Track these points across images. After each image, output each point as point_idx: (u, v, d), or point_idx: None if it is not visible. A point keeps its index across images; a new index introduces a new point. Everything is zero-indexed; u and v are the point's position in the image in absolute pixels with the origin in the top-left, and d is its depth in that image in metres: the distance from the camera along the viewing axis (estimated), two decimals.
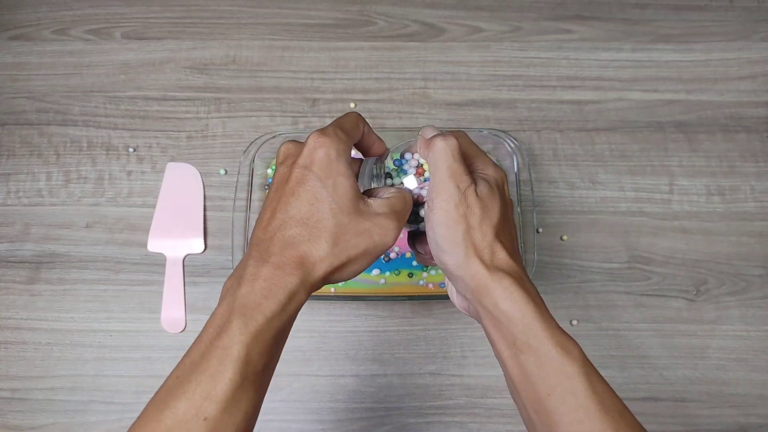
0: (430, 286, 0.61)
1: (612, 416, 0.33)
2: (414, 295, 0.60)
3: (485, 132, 0.63)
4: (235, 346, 0.31)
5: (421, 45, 0.72)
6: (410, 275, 0.61)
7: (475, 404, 0.59)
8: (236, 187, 0.61)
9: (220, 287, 0.62)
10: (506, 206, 0.40)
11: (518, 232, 0.59)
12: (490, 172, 0.40)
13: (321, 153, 0.35)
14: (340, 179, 0.35)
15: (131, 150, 0.67)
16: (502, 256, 0.37)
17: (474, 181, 0.38)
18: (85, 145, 0.68)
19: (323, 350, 0.60)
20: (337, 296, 0.60)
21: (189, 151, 0.67)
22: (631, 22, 0.73)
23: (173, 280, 0.62)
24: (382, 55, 0.71)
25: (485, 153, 0.42)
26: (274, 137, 0.63)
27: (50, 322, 0.61)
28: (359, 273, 0.37)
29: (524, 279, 0.37)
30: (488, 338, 0.38)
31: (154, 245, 0.63)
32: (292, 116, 0.68)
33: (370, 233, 0.35)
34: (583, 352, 0.35)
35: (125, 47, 0.71)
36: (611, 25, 0.73)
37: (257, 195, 0.63)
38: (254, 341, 0.31)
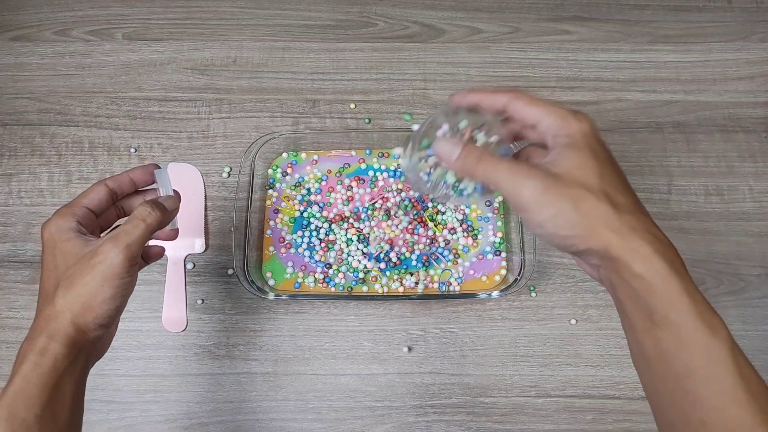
0: (430, 285, 0.61)
1: (761, 404, 0.31)
2: (414, 295, 0.61)
3: None
4: None
5: (420, 46, 0.72)
6: (410, 275, 0.61)
7: (474, 403, 0.59)
8: (237, 187, 0.61)
9: (221, 287, 0.63)
10: (606, 157, 0.36)
11: (521, 232, 0.59)
12: (572, 128, 0.36)
13: (45, 235, 0.42)
14: (61, 245, 0.41)
15: (133, 150, 0.67)
16: (630, 220, 0.34)
17: (555, 148, 0.36)
18: (86, 145, 0.68)
19: (323, 349, 0.61)
20: (338, 296, 0.61)
21: (190, 151, 0.67)
22: (629, 23, 0.73)
23: (174, 279, 0.62)
24: (382, 56, 0.71)
25: (552, 103, 0.37)
26: (274, 138, 0.63)
27: None
28: (118, 299, 0.40)
29: (663, 242, 0.34)
30: (619, 309, 0.36)
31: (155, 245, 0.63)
32: (293, 117, 0.69)
33: (96, 263, 0.39)
34: (728, 331, 0.32)
35: (126, 48, 0.72)
36: (610, 26, 0.73)
37: (258, 195, 0.63)
38: (15, 399, 0.36)
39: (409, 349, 0.60)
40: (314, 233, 0.62)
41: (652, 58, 0.71)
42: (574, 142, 0.36)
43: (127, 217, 0.43)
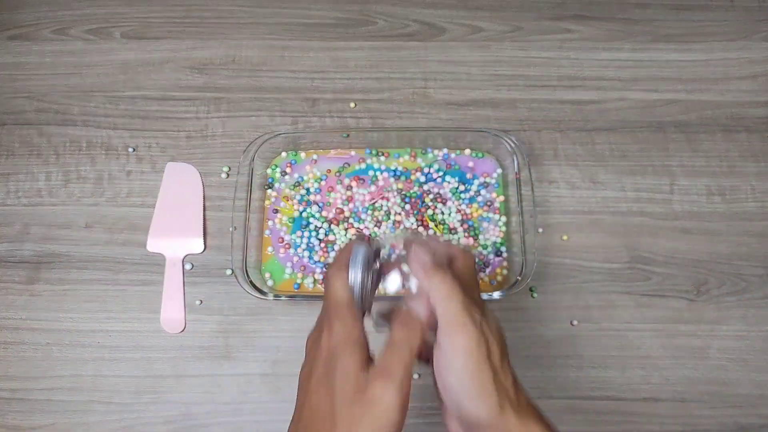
0: None
1: None
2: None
3: (485, 132, 0.63)
4: None
5: (421, 45, 0.71)
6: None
7: None
8: (236, 187, 0.61)
9: (220, 287, 0.62)
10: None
11: (522, 233, 0.59)
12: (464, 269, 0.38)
13: (332, 338, 0.35)
14: (346, 354, 0.34)
15: (131, 150, 0.67)
16: (523, 397, 0.35)
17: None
18: (84, 145, 0.67)
19: None
20: None
21: (189, 150, 0.67)
22: (631, 21, 0.73)
23: (173, 280, 0.62)
24: (382, 54, 0.71)
25: (448, 243, 0.40)
26: (274, 137, 0.63)
27: (50, 323, 0.61)
28: None
29: (543, 417, 0.35)
30: None
31: (153, 245, 0.63)
32: (292, 116, 0.68)
33: (371, 406, 0.33)
34: None
35: (125, 47, 0.71)
36: (612, 25, 0.72)
37: (257, 195, 0.63)
38: None
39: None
40: (313, 233, 0.62)
41: (654, 57, 0.71)
42: (477, 297, 0.38)
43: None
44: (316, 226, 0.62)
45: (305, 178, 0.64)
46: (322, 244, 0.62)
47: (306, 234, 0.62)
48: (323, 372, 0.34)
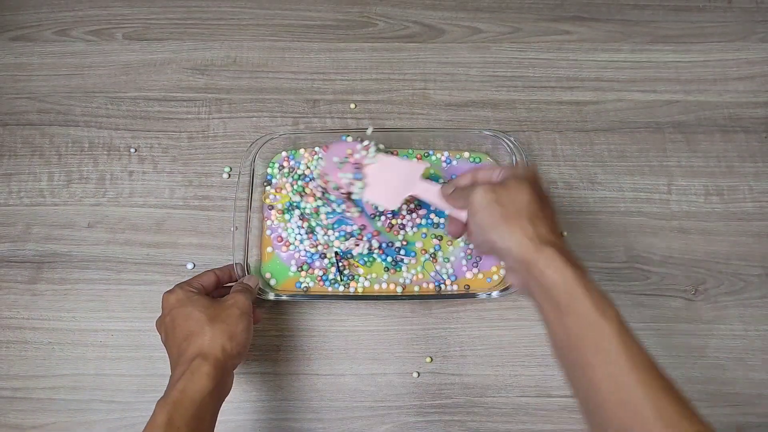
0: (430, 286, 0.61)
1: (640, 370, 0.38)
2: (414, 295, 0.61)
3: (484, 132, 0.63)
4: (158, 414, 0.43)
5: (420, 46, 0.72)
6: (400, 274, 0.61)
7: (474, 403, 0.59)
8: (237, 187, 0.61)
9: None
10: (536, 194, 0.45)
11: None
12: (517, 170, 0.48)
13: (171, 300, 0.51)
14: (193, 301, 0.50)
15: (133, 150, 0.67)
16: (542, 231, 0.43)
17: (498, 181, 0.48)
18: (86, 145, 0.68)
19: (323, 349, 0.61)
20: (337, 296, 0.61)
21: (190, 151, 0.67)
22: (629, 23, 0.73)
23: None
24: (382, 56, 0.71)
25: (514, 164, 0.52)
26: (274, 138, 0.63)
27: (52, 322, 0.61)
28: (249, 332, 0.50)
29: (565, 250, 0.42)
30: (537, 307, 0.44)
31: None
32: (293, 117, 0.69)
33: (231, 304, 0.51)
34: (619, 314, 0.40)
35: (126, 48, 0.72)
36: (610, 26, 0.73)
37: (258, 195, 0.63)
38: (175, 408, 0.43)
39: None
40: (299, 220, 0.62)
41: (652, 58, 0.71)
42: (516, 173, 0.47)
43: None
44: (302, 213, 0.62)
45: (301, 164, 0.64)
46: (304, 225, 0.61)
47: (293, 222, 0.62)
48: (178, 317, 0.50)
